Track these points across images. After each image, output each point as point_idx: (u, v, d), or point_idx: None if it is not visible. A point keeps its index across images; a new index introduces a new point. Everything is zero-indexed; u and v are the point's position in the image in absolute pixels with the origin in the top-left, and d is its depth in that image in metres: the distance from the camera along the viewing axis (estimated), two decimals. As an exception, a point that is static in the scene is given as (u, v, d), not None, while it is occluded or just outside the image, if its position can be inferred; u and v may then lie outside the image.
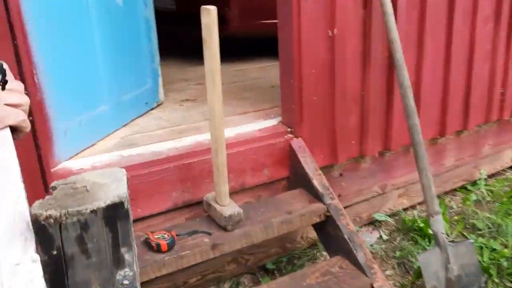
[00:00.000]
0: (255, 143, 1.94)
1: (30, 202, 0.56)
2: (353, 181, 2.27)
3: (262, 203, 1.88)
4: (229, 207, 1.69)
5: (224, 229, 1.68)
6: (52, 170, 1.67)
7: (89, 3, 1.89)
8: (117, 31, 2.08)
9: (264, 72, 3.26)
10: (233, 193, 1.93)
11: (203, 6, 1.46)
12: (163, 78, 2.85)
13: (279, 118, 2.11)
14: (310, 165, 1.93)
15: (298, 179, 1.98)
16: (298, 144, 1.97)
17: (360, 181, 2.29)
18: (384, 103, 2.16)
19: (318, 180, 1.89)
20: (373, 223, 2.40)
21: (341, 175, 2.22)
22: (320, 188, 1.87)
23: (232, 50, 3.77)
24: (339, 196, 2.24)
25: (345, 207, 2.26)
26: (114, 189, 0.57)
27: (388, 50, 2.04)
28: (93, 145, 1.96)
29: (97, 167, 1.72)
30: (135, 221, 1.76)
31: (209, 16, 1.45)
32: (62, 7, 1.73)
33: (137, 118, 2.31)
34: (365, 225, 2.39)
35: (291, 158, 1.99)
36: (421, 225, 2.31)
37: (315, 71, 1.94)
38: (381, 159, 2.33)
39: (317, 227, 1.92)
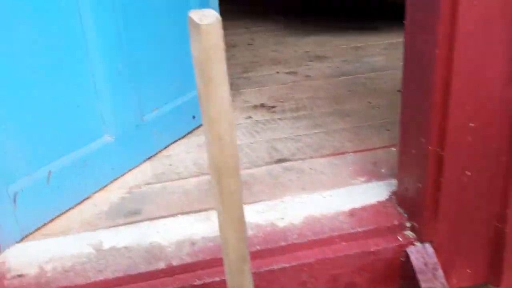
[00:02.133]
0: (338, 245, 1.03)
1: None
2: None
3: None
4: None
5: None
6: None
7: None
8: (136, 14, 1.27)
9: (391, 55, 2.19)
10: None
11: None
12: (239, 58, 2.02)
13: (393, 186, 1.16)
14: (441, 308, 0.98)
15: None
16: (423, 257, 1.02)
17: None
18: None
19: None
20: None
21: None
22: None
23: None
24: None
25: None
26: None
27: None
28: (85, 199, 1.24)
29: (21, 279, 0.98)
30: None
31: None
32: None
33: (175, 142, 1.52)
34: None
35: (405, 279, 1.06)
36: None
37: (476, 125, 0.93)
38: None
39: None
